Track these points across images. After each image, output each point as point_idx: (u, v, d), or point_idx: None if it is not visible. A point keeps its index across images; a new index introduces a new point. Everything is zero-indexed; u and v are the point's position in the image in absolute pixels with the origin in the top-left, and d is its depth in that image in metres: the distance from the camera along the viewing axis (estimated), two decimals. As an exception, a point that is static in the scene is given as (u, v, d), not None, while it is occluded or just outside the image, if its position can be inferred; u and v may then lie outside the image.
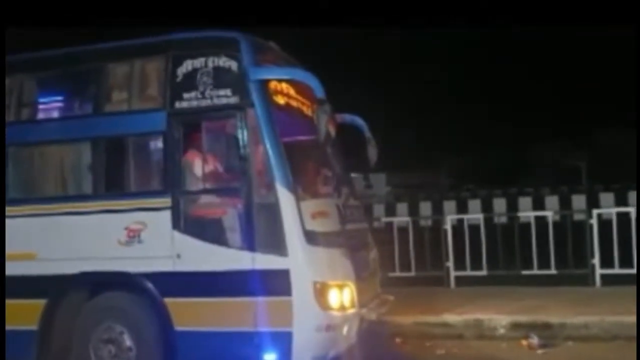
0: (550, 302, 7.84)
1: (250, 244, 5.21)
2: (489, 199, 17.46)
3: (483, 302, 8.03)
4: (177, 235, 5.38)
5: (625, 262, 8.82)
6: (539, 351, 6.60)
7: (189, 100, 5.46)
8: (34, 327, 5.62)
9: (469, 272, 9.62)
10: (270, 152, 5.24)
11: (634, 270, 8.57)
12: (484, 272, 9.47)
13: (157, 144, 5.61)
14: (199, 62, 5.44)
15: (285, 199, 5.17)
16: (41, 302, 5.64)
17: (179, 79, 5.49)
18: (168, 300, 5.39)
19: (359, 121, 7.00)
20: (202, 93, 5.43)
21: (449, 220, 10.21)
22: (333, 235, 5.55)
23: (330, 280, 5.25)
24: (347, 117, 6.90)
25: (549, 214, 10.46)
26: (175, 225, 5.39)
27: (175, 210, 5.40)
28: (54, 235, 5.71)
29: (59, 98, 5.96)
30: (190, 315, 5.34)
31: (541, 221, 9.86)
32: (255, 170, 5.28)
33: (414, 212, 18.86)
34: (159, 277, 5.40)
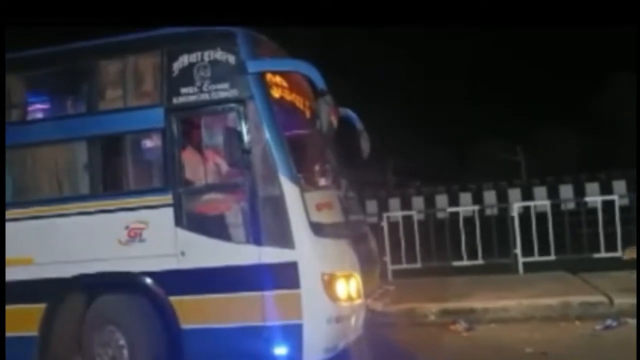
0: (477, 289, 8.42)
1: (255, 238, 5.16)
2: (432, 195, 18.14)
3: (416, 292, 8.52)
4: (181, 232, 5.29)
5: (544, 251, 9.81)
6: (464, 334, 7.13)
7: (187, 96, 5.38)
8: (34, 333, 5.47)
9: (403, 265, 10.20)
10: (272, 144, 5.19)
11: (552, 257, 9.50)
12: (418, 265, 10.18)
13: (156, 140, 5.51)
14: (195, 56, 5.37)
15: (289, 190, 5.13)
16: (41, 307, 5.49)
17: (175, 74, 5.40)
18: (173, 299, 5.30)
19: (351, 114, 6.99)
20: (200, 88, 5.35)
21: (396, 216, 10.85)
22: (338, 226, 5.54)
23: (338, 271, 5.23)
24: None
25: (475, 208, 11.22)
26: (178, 222, 5.30)
27: (177, 207, 5.32)
28: (51, 238, 5.58)
29: (52, 97, 5.81)
30: (196, 312, 5.26)
31: (481, 215, 10.70)
32: (257, 163, 5.22)
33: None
34: (163, 276, 5.31)
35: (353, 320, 5.36)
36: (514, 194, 14.46)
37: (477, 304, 7.82)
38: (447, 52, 32.64)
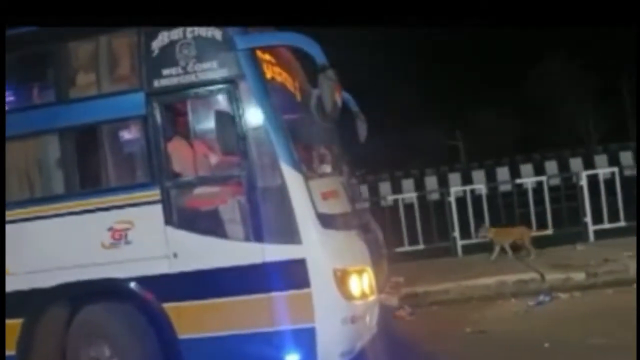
0: (418, 274, 8.41)
1: (257, 235, 4.61)
2: (375, 183, 18.22)
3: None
4: (172, 231, 4.72)
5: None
6: (408, 318, 7.20)
7: (169, 77, 4.77)
8: (11, 352, 4.87)
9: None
10: (270, 128, 4.64)
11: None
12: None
13: (137, 130, 4.89)
14: (176, 33, 4.75)
15: (292, 179, 4.59)
16: (17, 323, 4.88)
17: (155, 54, 4.78)
18: (167, 306, 4.74)
19: (345, 95, 6.44)
20: (184, 68, 4.75)
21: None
22: (346, 216, 5.03)
23: (350, 266, 4.72)
24: None
25: (414, 195, 11.51)
26: (169, 220, 4.73)
27: (166, 203, 4.74)
28: (24, 245, 4.95)
29: (15, 86, 5.12)
30: (195, 320, 4.71)
31: (423, 201, 11.06)
32: (255, 150, 4.66)
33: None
34: (154, 281, 4.74)
35: (368, 319, 4.88)
36: (454, 178, 14.54)
37: (419, 288, 7.97)
38: (386, 39, 32.13)
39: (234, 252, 4.65)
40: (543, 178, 10.93)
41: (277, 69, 5.07)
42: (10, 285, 4.89)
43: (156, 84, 4.79)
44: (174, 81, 4.76)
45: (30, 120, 5.00)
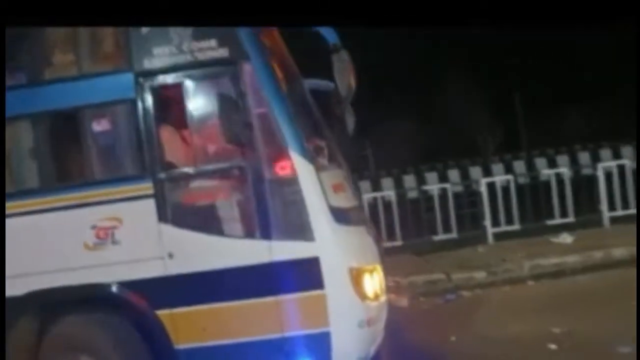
0: None
1: (264, 231, 4.17)
2: None
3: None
4: (166, 229, 4.21)
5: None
6: None
7: (161, 57, 4.27)
8: None
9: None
10: (277, 114, 4.21)
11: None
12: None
13: (125, 115, 4.34)
14: None
15: (303, 170, 4.17)
16: (-17, 338, 4.25)
17: (145, 31, 4.27)
18: (162, 313, 4.22)
19: (329, 85, 6.06)
20: (179, 47, 4.26)
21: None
22: (355, 210, 4.65)
23: (364, 264, 4.34)
24: (318, 83, 5.91)
25: None
26: (162, 216, 4.22)
27: (160, 197, 4.22)
28: None
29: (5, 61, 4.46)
30: (193, 328, 4.21)
31: None
32: (261, 138, 4.22)
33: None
34: (146, 285, 4.21)
35: (381, 321, 4.51)
36: (365, 185, 14.83)
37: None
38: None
39: (237, 251, 4.19)
40: (447, 185, 11.66)
41: (275, 49, 4.65)
42: None
43: (147, 64, 4.27)
44: (166, 61, 4.27)
45: None
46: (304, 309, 4.14)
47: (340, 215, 4.26)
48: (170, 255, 4.20)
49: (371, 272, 4.39)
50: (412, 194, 11.96)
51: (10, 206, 4.33)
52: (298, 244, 4.16)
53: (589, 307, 6.28)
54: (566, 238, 9.09)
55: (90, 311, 4.33)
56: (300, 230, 4.15)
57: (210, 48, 4.25)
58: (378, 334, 4.50)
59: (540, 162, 14.95)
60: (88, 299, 4.31)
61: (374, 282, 4.39)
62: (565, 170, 11.36)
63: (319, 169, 4.27)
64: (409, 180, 14.88)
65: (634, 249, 7.85)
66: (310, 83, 5.16)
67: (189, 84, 4.29)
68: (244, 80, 4.22)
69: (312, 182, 4.17)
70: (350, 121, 6.06)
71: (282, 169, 4.20)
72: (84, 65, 4.42)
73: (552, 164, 14.23)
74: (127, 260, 4.22)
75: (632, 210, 9.76)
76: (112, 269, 4.23)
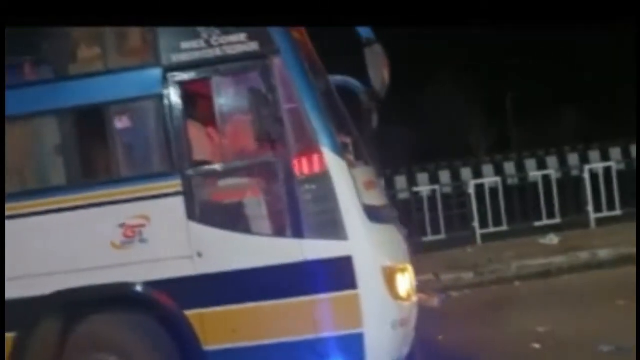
0: None
1: (296, 230, 4.08)
2: None
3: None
4: (195, 227, 4.11)
5: None
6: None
7: (190, 52, 4.18)
8: None
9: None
10: (309, 109, 4.11)
11: None
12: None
13: (152, 111, 4.24)
14: None
15: (336, 166, 4.07)
16: (9, 337, 4.16)
17: None
18: (191, 314, 4.12)
19: (353, 82, 5.94)
20: (207, 41, 4.16)
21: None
22: (385, 209, 4.55)
23: (397, 263, 4.24)
24: (338, 79, 5.80)
25: None
26: (191, 214, 4.12)
27: (189, 195, 4.13)
28: (15, 246, 4.22)
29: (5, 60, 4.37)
30: (223, 328, 4.11)
31: None
32: (292, 133, 4.12)
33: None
34: (174, 285, 4.12)
35: (412, 322, 4.41)
36: None
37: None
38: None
39: (268, 250, 4.09)
40: (436, 187, 11.85)
41: (303, 44, 4.55)
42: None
43: (174, 58, 4.18)
44: (195, 56, 4.17)
45: (21, 99, 4.28)
46: (337, 309, 4.04)
47: (372, 213, 4.16)
48: (199, 254, 4.10)
49: (403, 271, 4.29)
50: (404, 195, 12.04)
51: (36, 204, 4.24)
52: (331, 242, 4.06)
53: (574, 307, 6.45)
54: (553, 239, 9.30)
55: (117, 311, 4.23)
56: (333, 228, 4.05)
57: (240, 42, 4.16)
58: (410, 335, 4.40)
59: (530, 164, 15.16)
60: (115, 298, 4.21)
61: (405, 281, 4.29)
62: (552, 172, 11.48)
63: (350, 165, 4.18)
64: (401, 181, 14.95)
65: (619, 250, 8.31)
66: (334, 80, 5.07)
67: (218, 78, 4.20)
68: (275, 75, 4.13)
69: (344, 179, 4.07)
70: (373, 118, 5.98)
71: (313, 165, 4.10)
72: (110, 60, 4.32)
73: (542, 165, 14.43)
74: (155, 259, 4.13)
75: (618, 212, 10.07)
76: (140, 268, 4.14)
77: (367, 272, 4.05)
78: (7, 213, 4.23)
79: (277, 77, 4.13)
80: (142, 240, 4.13)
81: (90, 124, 4.28)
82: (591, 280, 7.67)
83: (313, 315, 4.04)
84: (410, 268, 4.42)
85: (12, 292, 4.17)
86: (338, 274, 4.03)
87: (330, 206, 4.06)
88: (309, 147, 4.10)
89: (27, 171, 4.40)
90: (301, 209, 4.07)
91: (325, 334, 4.04)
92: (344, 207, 4.05)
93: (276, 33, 4.15)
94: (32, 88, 4.32)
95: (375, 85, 4.09)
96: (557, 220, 10.29)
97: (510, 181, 12.10)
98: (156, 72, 4.18)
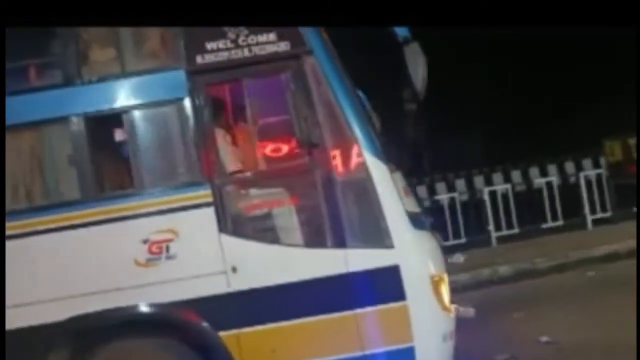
0: None
1: (338, 239, 3.82)
2: None
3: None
4: (228, 240, 3.80)
5: None
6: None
7: (216, 53, 3.90)
8: None
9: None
10: (347, 111, 3.89)
11: None
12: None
13: (177, 115, 3.92)
14: None
15: (378, 171, 3.85)
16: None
17: None
18: (225, 335, 3.78)
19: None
20: (235, 41, 3.90)
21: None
22: (422, 215, 4.34)
23: (440, 272, 4.03)
24: None
25: None
26: (223, 227, 3.80)
27: (220, 205, 3.81)
28: (23, 268, 3.80)
29: (12, 64, 3.97)
30: (262, 349, 3.79)
31: None
32: (330, 137, 3.88)
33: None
34: (207, 304, 3.78)
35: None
36: None
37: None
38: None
39: (309, 261, 3.82)
40: (455, 194, 11.85)
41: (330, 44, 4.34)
42: (6, 323, 3.72)
43: (199, 60, 3.89)
44: (221, 57, 3.89)
45: (33, 106, 3.89)
46: (385, 322, 3.79)
47: (414, 220, 3.95)
48: (234, 269, 3.78)
49: (444, 280, 4.09)
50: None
51: (47, 220, 3.84)
52: (376, 251, 3.82)
53: (474, 321, 6.40)
54: (459, 258, 9.49)
55: (142, 336, 3.84)
56: (378, 236, 3.82)
57: (270, 42, 3.92)
58: (453, 348, 4.18)
59: (440, 187, 14.23)
60: (140, 322, 3.83)
61: (447, 291, 4.08)
62: (457, 195, 11.75)
63: (391, 170, 3.97)
64: (421, 190, 14.95)
65: (517, 265, 8.64)
66: None
67: (247, 80, 3.94)
68: (309, 76, 3.90)
69: (387, 184, 3.86)
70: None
71: (354, 170, 3.87)
72: (128, 62, 4.00)
73: (451, 188, 13.74)
74: (184, 277, 3.78)
75: (516, 230, 10.50)
76: (167, 287, 3.78)
77: (415, 281, 3.82)
78: (15, 231, 3.82)
79: (312, 79, 3.90)
80: (170, 257, 3.79)
81: (106, 130, 3.93)
82: (492, 295, 7.80)
83: (359, 331, 3.78)
84: (446, 276, 4.22)
85: (22, 319, 3.74)
86: (384, 285, 3.80)
87: (374, 213, 3.83)
88: (349, 151, 3.88)
89: (37, 184, 3.97)
90: (343, 216, 3.83)
91: (373, 350, 3.79)
92: (388, 213, 3.82)
93: (308, 33, 3.93)
94: (41, 93, 3.93)
95: (416, 84, 3.91)
96: (463, 239, 10.50)
97: (518, 188, 12.13)
98: (179, 75, 3.88)
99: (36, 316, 3.76)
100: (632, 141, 10.13)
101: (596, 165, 12.63)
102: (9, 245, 3.79)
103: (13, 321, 3.73)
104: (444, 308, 3.93)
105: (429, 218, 4.45)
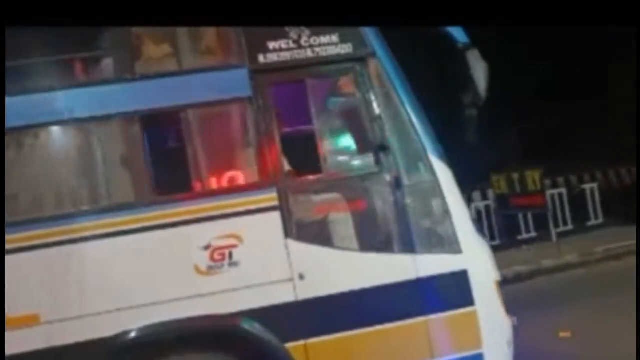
0: None
1: (407, 244, 3.74)
2: None
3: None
4: (295, 246, 3.63)
5: None
6: None
7: (278, 52, 3.77)
8: None
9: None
10: (411, 114, 3.86)
11: None
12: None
13: (240, 115, 3.75)
14: None
15: (444, 175, 3.82)
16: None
17: None
18: (293, 346, 3.58)
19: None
20: (297, 42, 3.79)
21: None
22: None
23: (498, 276, 4.02)
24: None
25: None
26: (290, 232, 3.63)
27: (286, 210, 3.64)
28: (68, 278, 3.46)
29: (60, 58, 3.64)
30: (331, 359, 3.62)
31: None
32: (396, 141, 3.82)
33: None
34: (273, 314, 3.57)
35: None
36: None
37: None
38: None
39: (378, 268, 3.71)
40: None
41: None
42: (49, 339, 3.37)
43: (261, 59, 3.75)
44: (285, 57, 3.77)
45: (82, 103, 3.58)
46: (455, 329, 3.73)
47: (475, 225, 3.94)
48: (301, 277, 3.61)
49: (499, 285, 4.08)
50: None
51: (99, 225, 3.52)
52: (445, 257, 3.78)
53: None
54: None
55: (203, 350, 3.57)
56: (447, 241, 3.78)
57: (332, 43, 3.84)
58: None
59: None
60: (200, 334, 3.56)
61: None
62: None
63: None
64: None
65: None
66: None
67: (313, 81, 3.83)
68: (373, 78, 3.84)
69: (454, 188, 3.83)
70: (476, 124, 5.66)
71: (421, 174, 3.82)
72: (187, 59, 3.79)
73: None
74: (249, 285, 3.56)
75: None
76: (231, 296, 3.55)
77: (482, 286, 3.79)
78: (59, 238, 3.48)
79: (376, 81, 3.84)
80: (233, 264, 3.56)
81: (164, 130, 3.69)
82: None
83: (429, 338, 3.70)
84: None
85: (67, 335, 3.40)
86: (454, 291, 3.75)
87: (442, 217, 3.79)
88: (415, 155, 3.83)
89: (85, 186, 3.64)
90: (411, 221, 3.75)
91: (443, 357, 3.71)
92: (455, 217, 3.79)
93: (370, 34, 3.88)
94: (86, 89, 3.64)
95: (481, 90, 3.92)
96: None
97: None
98: (243, 73, 3.71)
99: (86, 331, 3.42)
100: (516, 175, 10.83)
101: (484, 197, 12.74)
102: (54, 251, 3.45)
103: (57, 337, 3.38)
104: (508, 313, 3.92)
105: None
